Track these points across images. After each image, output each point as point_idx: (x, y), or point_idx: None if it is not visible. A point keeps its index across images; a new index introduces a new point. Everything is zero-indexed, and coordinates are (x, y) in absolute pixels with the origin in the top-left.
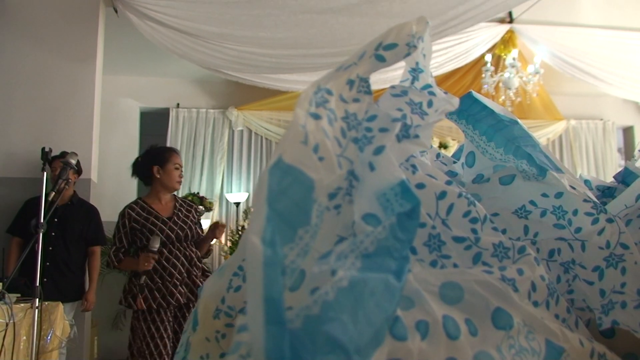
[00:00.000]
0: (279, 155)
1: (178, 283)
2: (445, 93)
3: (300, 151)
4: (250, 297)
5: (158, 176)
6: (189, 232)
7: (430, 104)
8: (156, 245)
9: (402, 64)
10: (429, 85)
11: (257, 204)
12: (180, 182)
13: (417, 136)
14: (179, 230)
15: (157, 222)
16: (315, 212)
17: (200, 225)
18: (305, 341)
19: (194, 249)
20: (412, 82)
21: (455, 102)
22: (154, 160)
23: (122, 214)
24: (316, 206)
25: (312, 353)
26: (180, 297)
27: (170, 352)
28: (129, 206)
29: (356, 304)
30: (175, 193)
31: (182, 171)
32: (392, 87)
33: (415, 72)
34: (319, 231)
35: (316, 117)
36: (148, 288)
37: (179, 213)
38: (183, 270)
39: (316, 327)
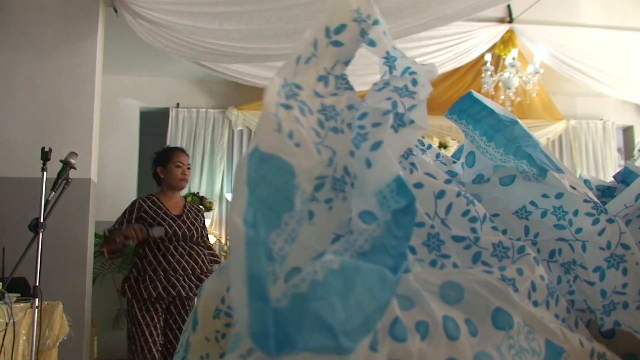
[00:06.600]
0: (255, 145)
1: (181, 278)
2: (423, 65)
3: (275, 139)
4: (234, 275)
5: (162, 176)
6: (195, 233)
7: (414, 82)
8: (156, 234)
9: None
10: (408, 67)
11: (237, 188)
12: (184, 180)
13: (412, 121)
14: (186, 229)
15: (166, 217)
16: (300, 198)
17: (206, 228)
18: (291, 317)
19: (201, 249)
20: (391, 72)
21: (434, 68)
22: (158, 161)
23: (133, 203)
24: (300, 192)
25: (297, 329)
26: (182, 290)
27: (157, 340)
28: (141, 198)
29: (346, 287)
30: (183, 195)
31: (186, 169)
32: (375, 84)
33: (389, 60)
34: (305, 217)
35: (287, 107)
36: (148, 279)
37: (189, 213)
38: (188, 267)
39: (302, 304)
